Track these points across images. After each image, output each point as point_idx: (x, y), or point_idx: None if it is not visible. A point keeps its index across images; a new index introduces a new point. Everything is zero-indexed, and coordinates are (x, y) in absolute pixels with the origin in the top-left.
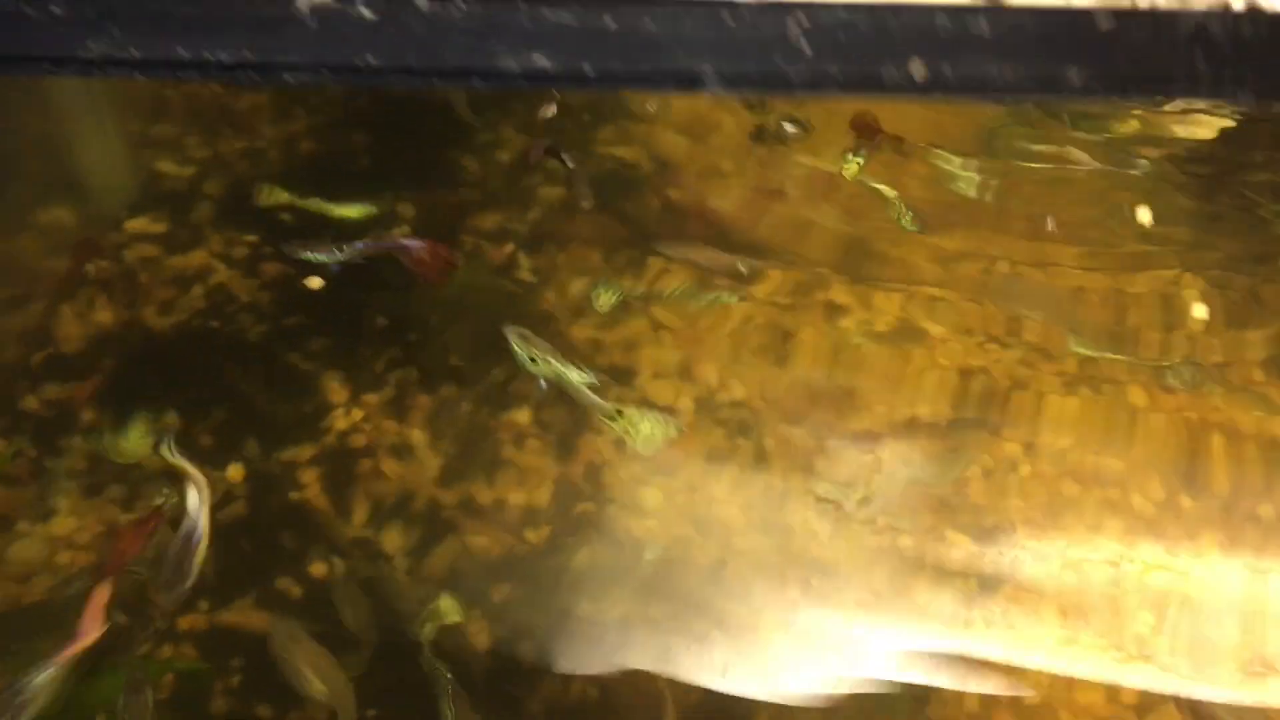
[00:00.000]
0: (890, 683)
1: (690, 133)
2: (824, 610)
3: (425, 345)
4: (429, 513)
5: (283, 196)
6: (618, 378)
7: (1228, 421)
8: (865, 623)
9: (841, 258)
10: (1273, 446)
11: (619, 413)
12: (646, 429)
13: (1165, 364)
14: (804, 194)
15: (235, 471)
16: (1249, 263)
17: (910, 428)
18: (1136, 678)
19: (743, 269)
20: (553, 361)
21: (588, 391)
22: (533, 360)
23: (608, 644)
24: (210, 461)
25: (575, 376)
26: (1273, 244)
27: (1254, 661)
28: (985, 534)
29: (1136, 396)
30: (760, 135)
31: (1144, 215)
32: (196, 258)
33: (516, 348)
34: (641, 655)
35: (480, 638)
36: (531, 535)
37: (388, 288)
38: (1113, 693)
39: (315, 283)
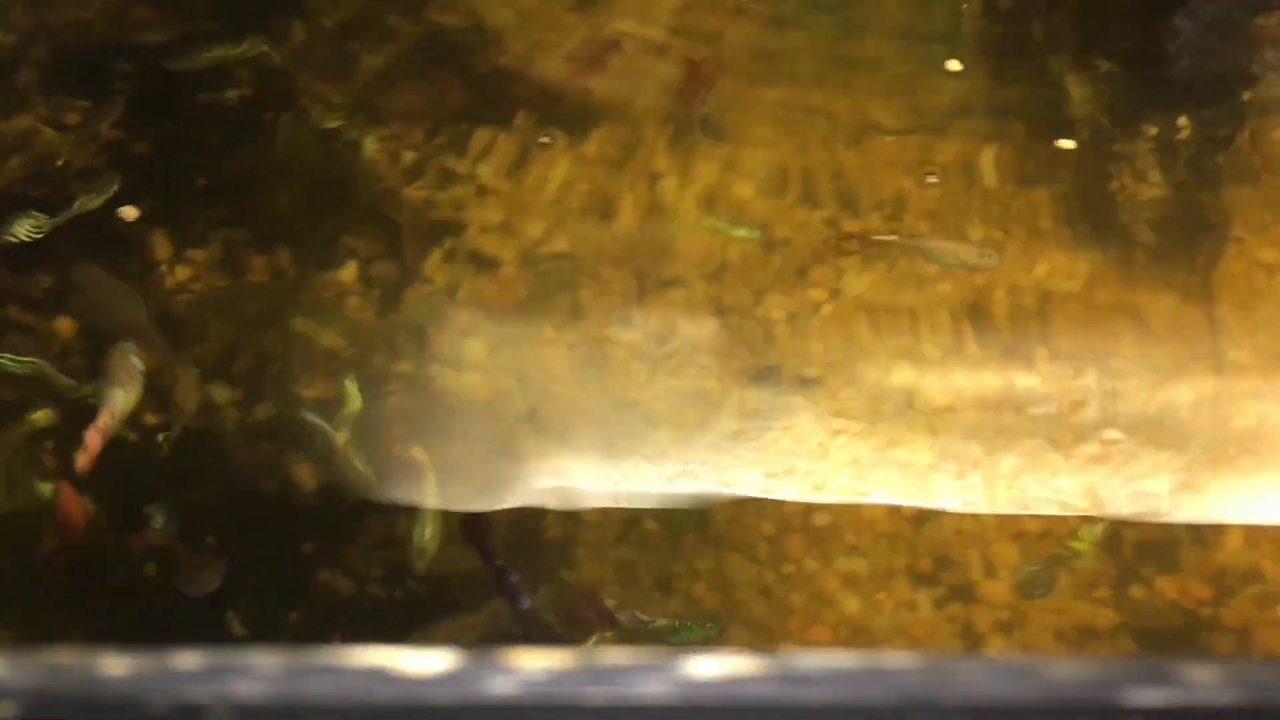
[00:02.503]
0: (690, 508)
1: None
2: (633, 447)
3: (251, 205)
4: (255, 368)
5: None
6: (449, 231)
7: (1008, 278)
8: (671, 458)
9: (665, 124)
10: (1048, 298)
11: None
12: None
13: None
14: (630, 62)
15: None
16: (1024, 116)
17: (716, 277)
18: (918, 498)
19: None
20: None
21: None
22: None
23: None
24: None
25: None
26: (1054, 94)
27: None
28: (783, 375)
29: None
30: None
31: (953, 65)
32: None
33: None
34: (459, 491)
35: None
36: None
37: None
38: (894, 509)
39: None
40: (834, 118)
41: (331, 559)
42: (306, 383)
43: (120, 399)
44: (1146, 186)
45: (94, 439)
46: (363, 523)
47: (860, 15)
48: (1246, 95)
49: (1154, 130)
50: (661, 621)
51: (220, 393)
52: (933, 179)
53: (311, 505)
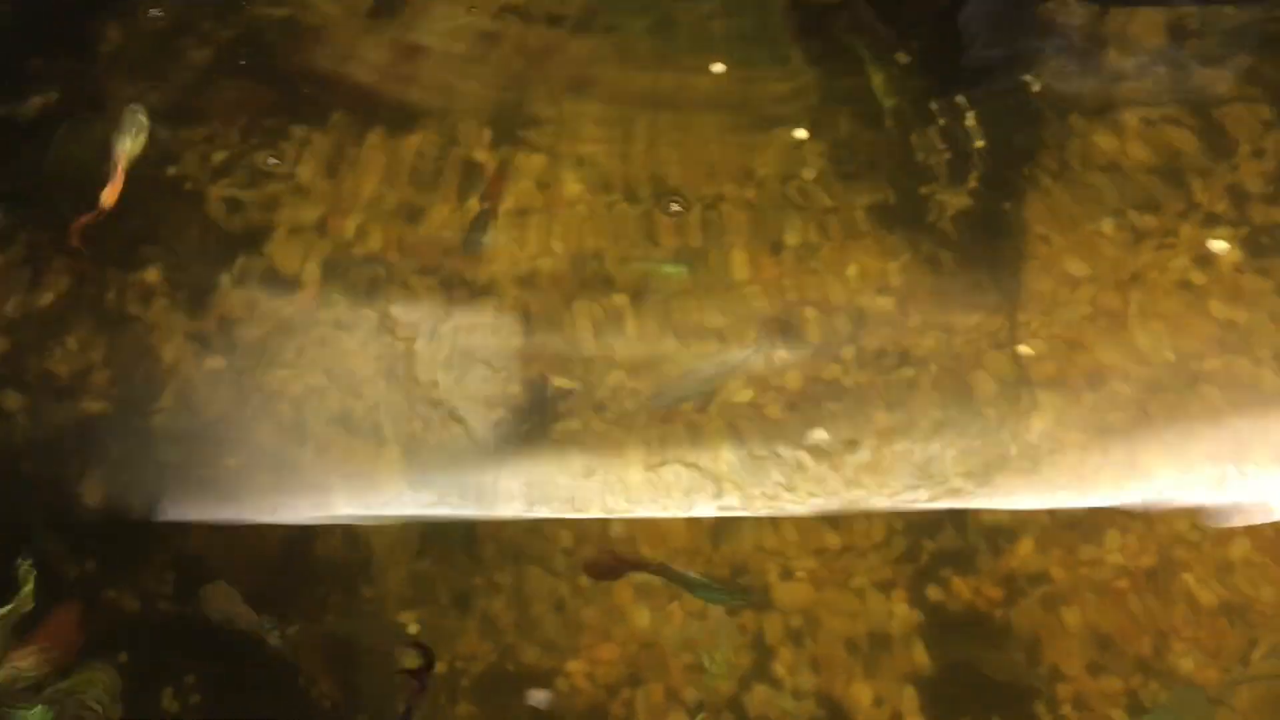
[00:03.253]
0: (490, 520)
1: None
2: (442, 446)
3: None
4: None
5: None
6: (258, 232)
7: (819, 282)
8: (481, 459)
9: (491, 116)
10: (862, 291)
11: None
12: None
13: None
14: (450, 52)
15: None
16: (846, 103)
17: (528, 283)
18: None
19: None
20: None
21: None
22: None
23: (235, 491)
24: None
25: None
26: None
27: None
28: (587, 379)
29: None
30: None
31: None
32: None
33: None
34: (268, 498)
35: (95, 496)
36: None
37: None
38: (694, 522)
39: None
40: (653, 121)
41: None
42: None
43: None
44: (942, 181)
45: None
46: None
47: (671, 17)
48: (1035, 85)
49: (943, 121)
50: None
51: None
52: (676, 208)
53: None
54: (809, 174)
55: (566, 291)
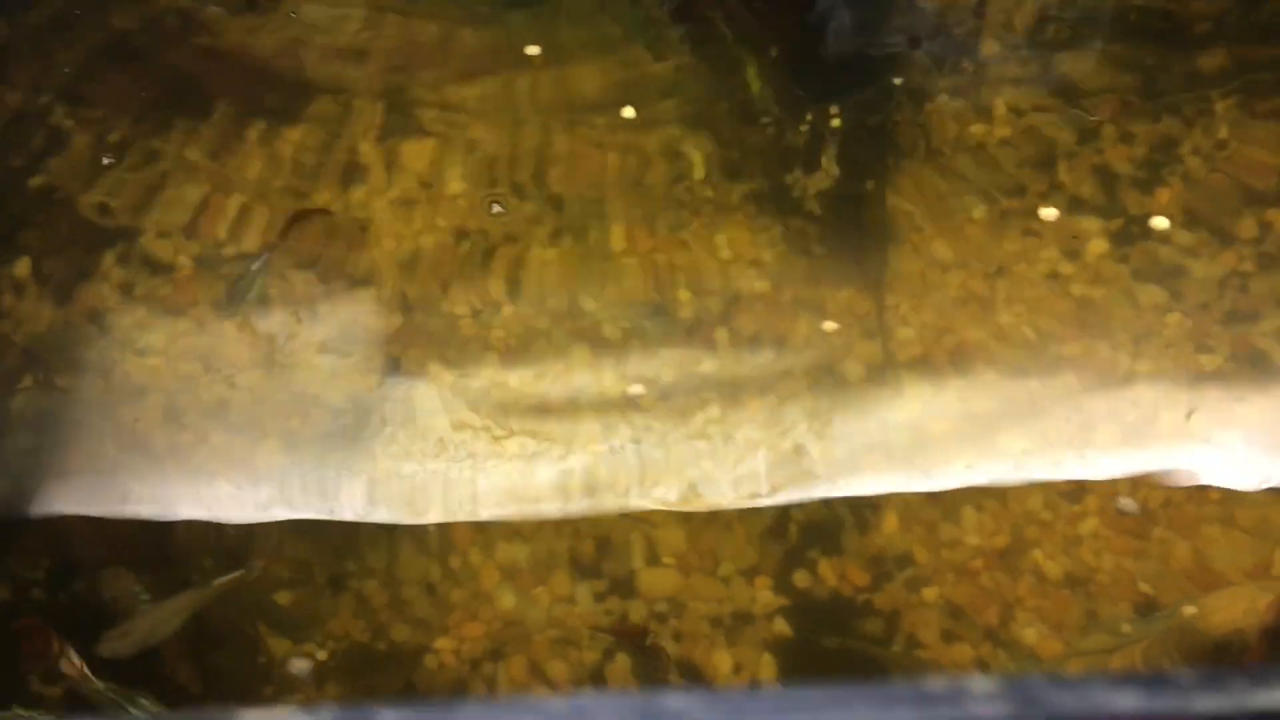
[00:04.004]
0: (367, 501)
1: None
2: (313, 441)
3: None
4: None
5: None
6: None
7: (693, 262)
8: (347, 451)
9: (376, 108)
10: (736, 276)
11: None
12: None
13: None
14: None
15: None
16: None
17: (408, 269)
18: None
19: None
20: None
21: None
22: None
23: (108, 480)
24: None
25: None
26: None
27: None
28: (467, 367)
29: (617, 240)
30: None
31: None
32: None
33: None
34: (151, 489)
35: None
36: (29, 380)
37: None
38: (562, 490)
39: None
40: (538, 114)
41: None
42: None
43: None
44: (816, 173)
45: None
46: None
47: (553, 10)
48: (897, 80)
49: (810, 118)
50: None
51: None
52: (498, 208)
53: None
54: (698, 173)
55: (444, 277)
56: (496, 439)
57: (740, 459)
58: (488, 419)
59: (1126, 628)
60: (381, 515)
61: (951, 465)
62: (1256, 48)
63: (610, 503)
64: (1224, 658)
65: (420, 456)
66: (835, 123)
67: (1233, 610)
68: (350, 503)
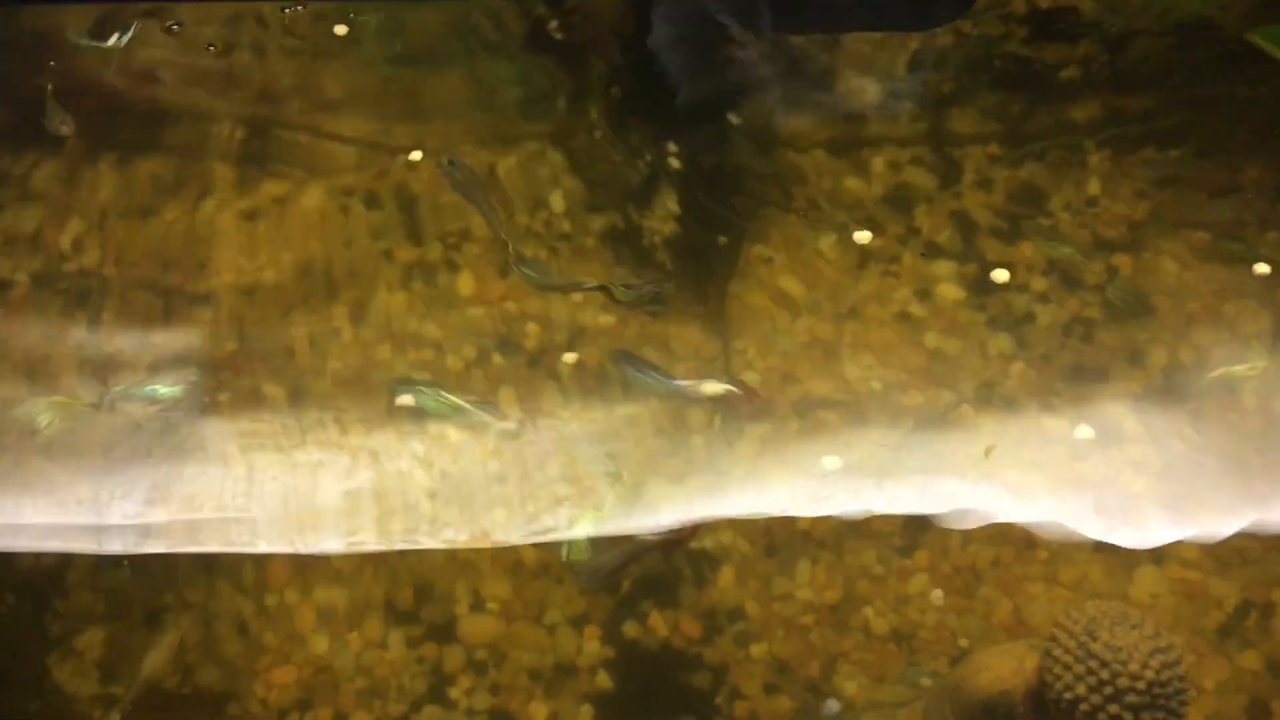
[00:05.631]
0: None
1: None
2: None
3: None
4: None
5: None
6: None
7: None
8: (167, 485)
9: (244, 128)
10: (577, 311)
11: None
12: None
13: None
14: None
15: None
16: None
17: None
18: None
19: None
20: None
21: None
22: None
23: None
24: None
25: None
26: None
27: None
28: (295, 399)
29: (465, 285)
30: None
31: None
32: None
33: None
34: None
35: None
36: None
37: None
38: (385, 534)
39: None
40: (393, 140)
41: None
42: None
43: None
44: (660, 212)
45: None
46: None
47: (410, 40)
48: (733, 119)
49: (649, 156)
50: None
51: None
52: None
53: None
54: (557, 204)
55: (286, 303)
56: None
57: (577, 499)
58: (359, 440)
59: (926, 681)
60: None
61: (788, 511)
62: (1125, 98)
63: (436, 544)
64: (991, 718)
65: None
66: (674, 163)
67: (1000, 669)
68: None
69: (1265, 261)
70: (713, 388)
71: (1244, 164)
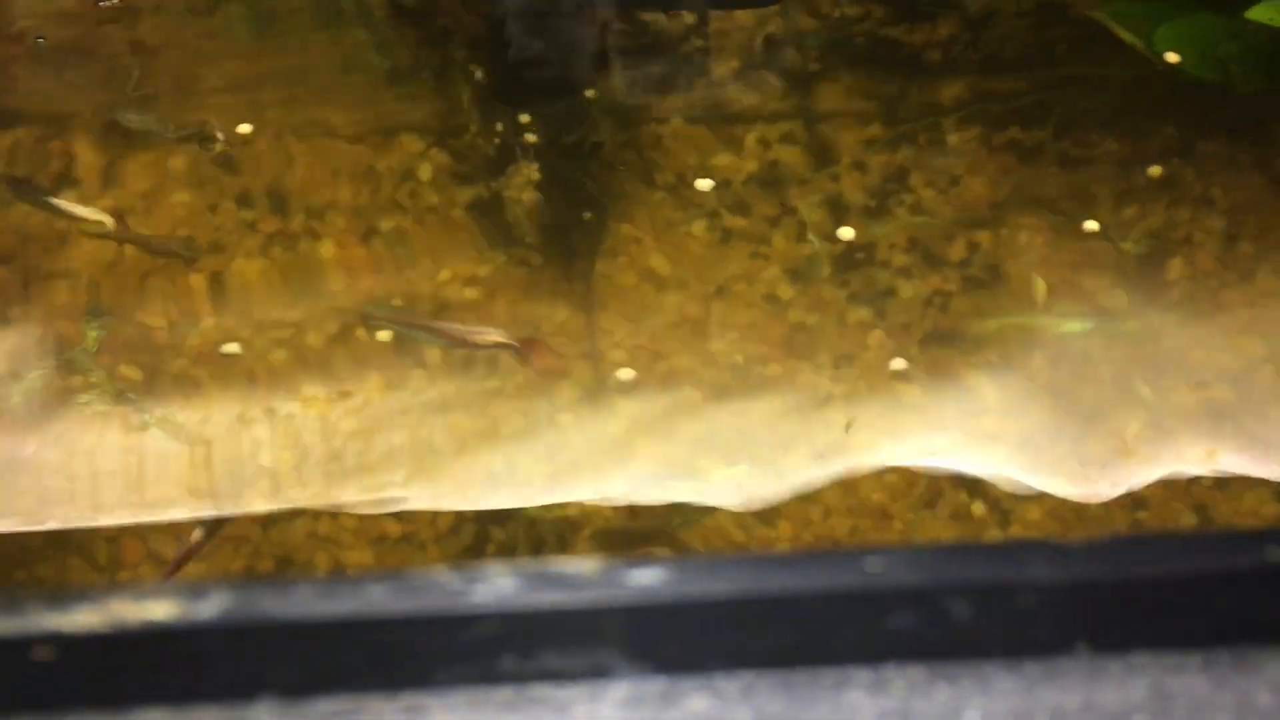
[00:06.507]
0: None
1: None
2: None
3: None
4: None
5: None
6: None
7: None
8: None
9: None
10: (442, 288)
11: None
12: None
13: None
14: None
15: None
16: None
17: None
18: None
19: None
20: None
21: None
22: None
23: None
24: None
25: None
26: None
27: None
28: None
29: (326, 250)
30: None
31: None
32: None
33: None
34: None
35: None
36: None
37: None
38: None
39: None
40: (271, 122)
41: None
42: None
43: None
44: (522, 188)
45: None
46: None
47: (282, 25)
48: (590, 93)
49: (509, 131)
50: None
51: None
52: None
53: None
54: (424, 174)
55: (143, 272)
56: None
57: (448, 477)
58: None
59: None
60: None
61: (651, 490)
62: (991, 79)
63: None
64: None
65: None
66: (531, 137)
67: None
68: None
69: (1118, 233)
70: (487, 338)
71: (1102, 140)
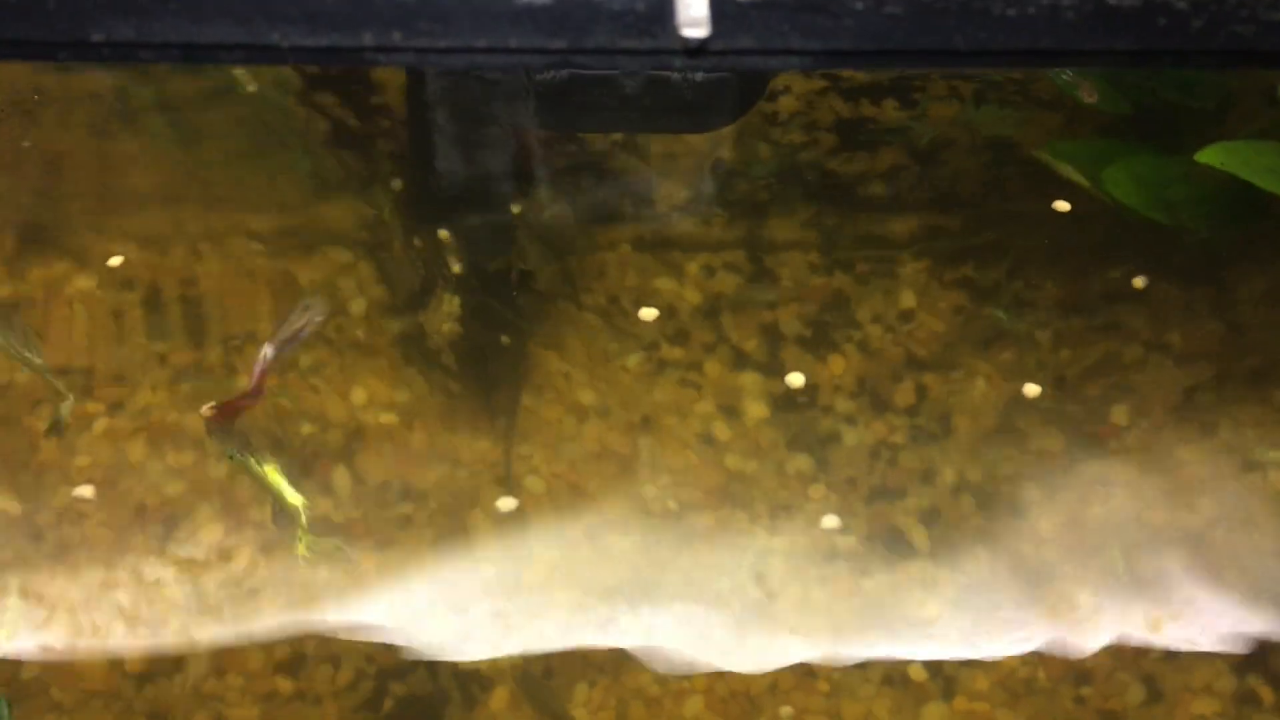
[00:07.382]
0: None
1: None
2: None
3: None
4: None
5: None
6: None
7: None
8: None
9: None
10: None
11: None
12: None
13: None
14: None
15: None
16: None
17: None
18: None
19: None
20: None
21: None
22: None
23: None
24: None
25: None
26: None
27: None
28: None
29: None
30: None
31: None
32: None
33: None
34: None
35: None
36: None
37: None
38: (116, 662)
39: None
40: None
41: None
42: None
43: None
44: (441, 313)
45: None
46: None
47: (201, 124)
48: (516, 208)
49: (430, 252)
50: None
51: None
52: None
53: None
54: (356, 307)
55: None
56: None
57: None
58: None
59: None
60: None
61: (569, 635)
62: (940, 214)
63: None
64: None
65: None
66: (454, 263)
67: None
68: None
69: (1057, 377)
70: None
71: (1042, 280)
